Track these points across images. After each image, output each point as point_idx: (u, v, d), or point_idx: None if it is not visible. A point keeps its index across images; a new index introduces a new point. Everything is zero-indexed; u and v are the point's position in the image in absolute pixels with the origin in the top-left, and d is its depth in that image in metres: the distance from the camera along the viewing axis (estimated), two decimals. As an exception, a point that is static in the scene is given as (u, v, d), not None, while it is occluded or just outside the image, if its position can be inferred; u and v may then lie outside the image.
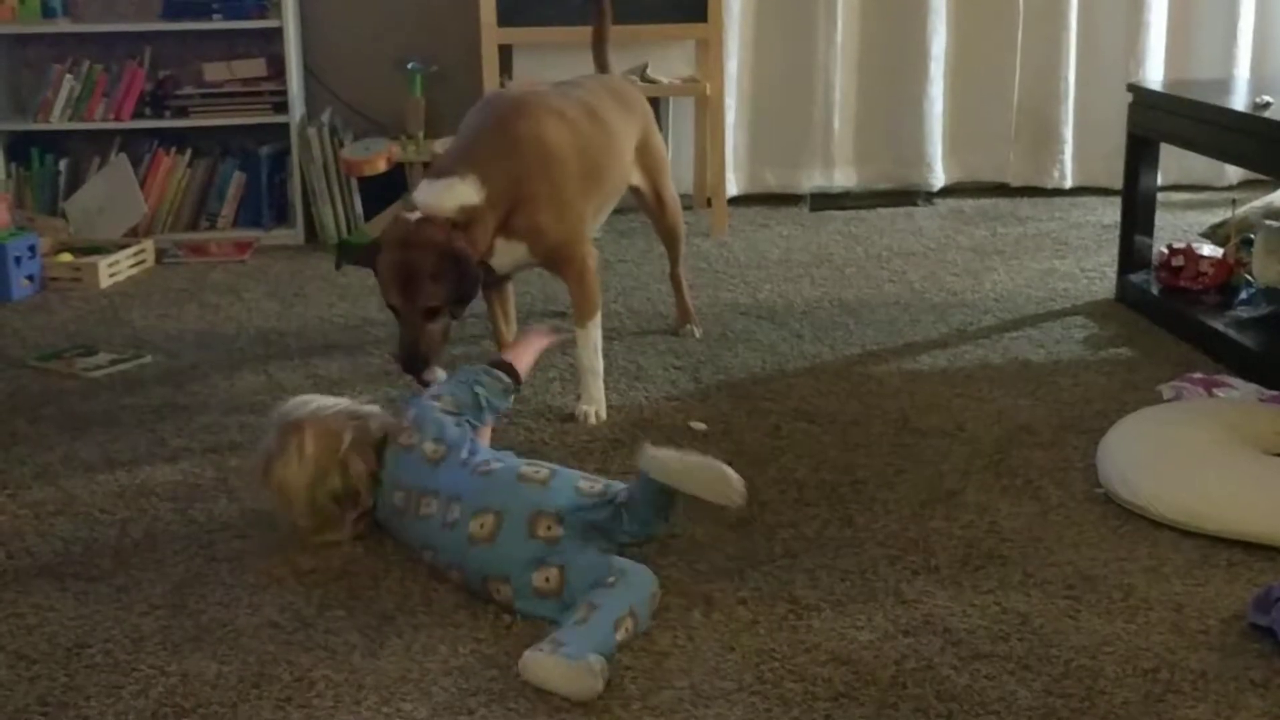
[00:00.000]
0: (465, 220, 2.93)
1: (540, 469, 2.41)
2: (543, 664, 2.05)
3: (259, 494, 2.61)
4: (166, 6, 5.01)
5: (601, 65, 3.84)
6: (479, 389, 2.67)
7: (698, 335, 3.80)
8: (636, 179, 3.62)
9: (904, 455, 2.94)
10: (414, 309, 2.90)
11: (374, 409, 2.67)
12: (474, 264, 2.92)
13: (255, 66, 5.10)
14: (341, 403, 2.65)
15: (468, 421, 2.60)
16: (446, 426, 2.55)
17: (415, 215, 2.91)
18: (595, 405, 3.18)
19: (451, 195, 2.94)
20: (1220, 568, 2.42)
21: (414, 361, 2.91)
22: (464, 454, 2.47)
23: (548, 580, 2.25)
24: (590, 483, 2.38)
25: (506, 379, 2.74)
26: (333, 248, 3.10)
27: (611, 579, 2.20)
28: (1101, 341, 3.72)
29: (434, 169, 3.07)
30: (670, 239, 3.82)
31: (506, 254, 3.10)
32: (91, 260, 4.49)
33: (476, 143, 3.07)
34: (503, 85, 4.90)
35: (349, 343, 3.80)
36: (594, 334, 3.22)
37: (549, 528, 2.28)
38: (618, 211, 5.32)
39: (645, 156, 3.60)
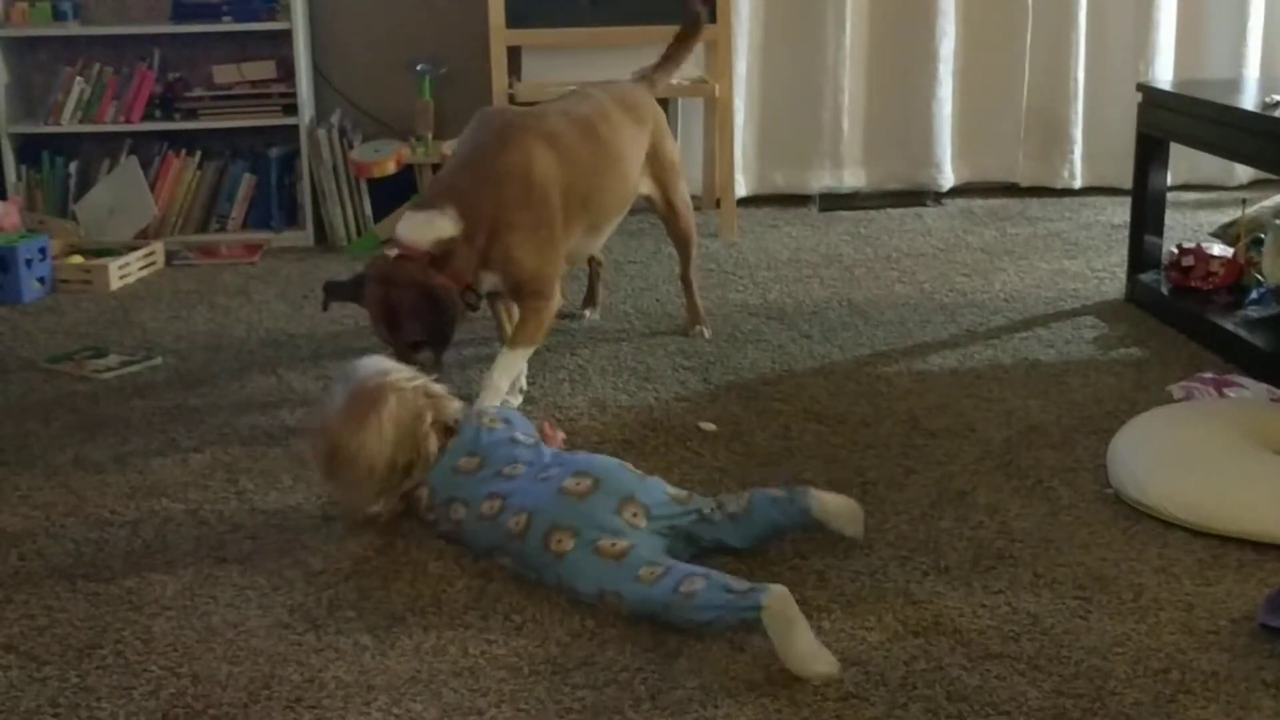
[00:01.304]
0: (443, 253, 2.99)
1: (636, 470, 2.50)
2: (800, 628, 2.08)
3: (319, 451, 2.59)
4: (176, 9, 5.03)
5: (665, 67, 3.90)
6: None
7: (707, 336, 3.80)
8: (647, 187, 3.62)
9: (914, 456, 2.94)
10: (399, 342, 3.01)
11: (445, 392, 2.69)
12: (451, 303, 2.99)
13: (265, 69, 5.11)
14: (417, 377, 2.65)
15: None
16: (533, 431, 2.68)
17: (394, 252, 2.99)
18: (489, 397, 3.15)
19: (429, 229, 3.00)
20: (1231, 568, 2.41)
21: None
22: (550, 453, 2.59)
23: (614, 545, 2.28)
24: (677, 490, 2.45)
25: None
26: (336, 264, 3.16)
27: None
28: (1112, 342, 3.71)
29: (421, 199, 3.11)
30: (682, 243, 3.83)
31: (485, 281, 3.15)
32: (102, 262, 4.50)
33: (461, 171, 3.11)
34: (511, 86, 4.91)
35: (359, 344, 3.79)
36: (520, 361, 3.21)
37: (634, 515, 2.34)
38: (630, 212, 5.34)
39: (656, 164, 3.61)
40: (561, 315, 3.94)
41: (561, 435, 2.94)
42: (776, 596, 2.07)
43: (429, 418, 2.57)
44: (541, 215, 3.14)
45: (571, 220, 3.25)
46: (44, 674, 2.14)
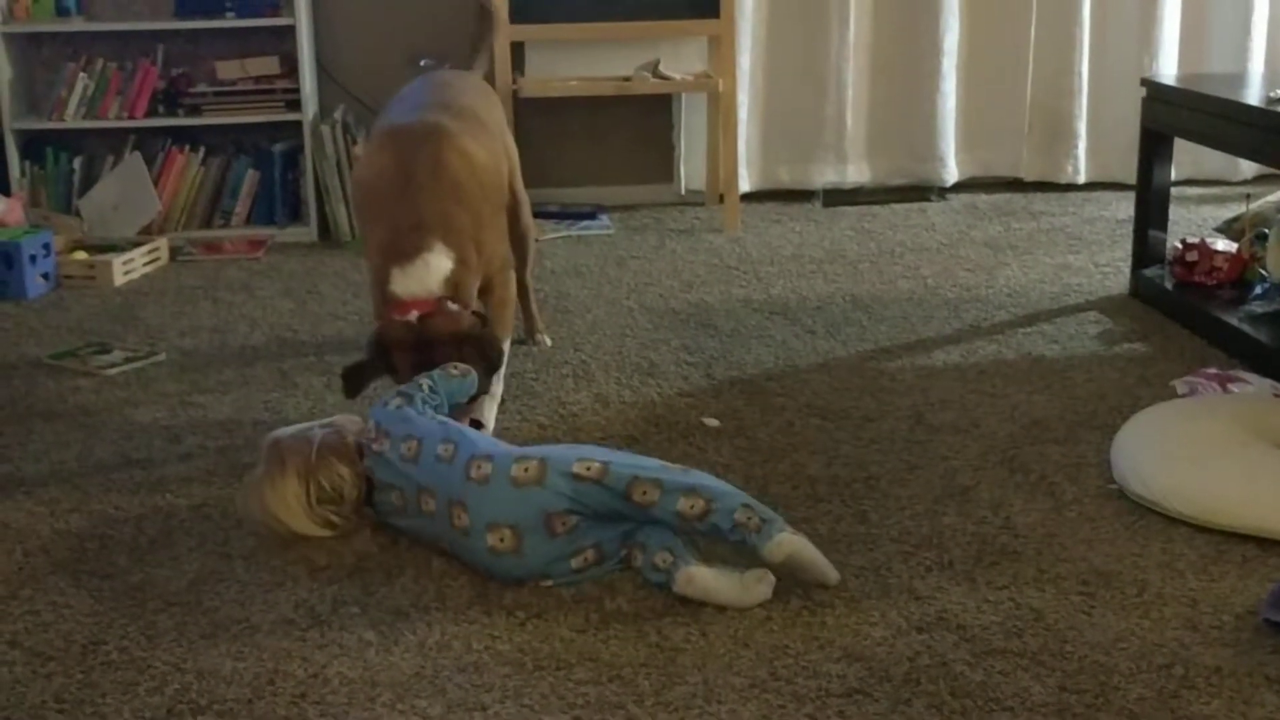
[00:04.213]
0: (452, 289, 2.86)
1: (529, 463, 2.35)
2: (706, 578, 2.25)
3: (258, 520, 2.60)
4: (180, 4, 5.02)
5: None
6: (426, 381, 2.67)
7: (549, 344, 3.69)
8: None
9: (917, 451, 2.94)
10: None
11: (350, 418, 2.70)
12: (491, 334, 2.91)
13: (268, 64, 5.11)
14: (314, 424, 2.69)
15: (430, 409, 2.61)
16: (412, 420, 2.54)
17: (412, 316, 2.82)
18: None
19: (430, 276, 2.84)
20: (1235, 563, 2.41)
21: None
22: (439, 447, 2.45)
23: (586, 559, 2.34)
24: (586, 464, 2.33)
25: (465, 373, 2.74)
26: (340, 374, 2.95)
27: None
28: (1115, 337, 3.71)
29: (394, 250, 2.87)
30: (522, 240, 3.59)
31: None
32: (106, 258, 4.50)
33: (420, 202, 2.90)
34: (515, 82, 4.90)
35: (362, 340, 3.79)
36: (505, 354, 3.12)
37: (564, 523, 2.32)
38: (631, 208, 5.34)
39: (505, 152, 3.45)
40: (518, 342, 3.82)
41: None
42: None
43: (316, 442, 2.56)
44: (498, 204, 3.12)
45: (504, 205, 3.25)
46: (49, 670, 2.14)
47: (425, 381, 2.66)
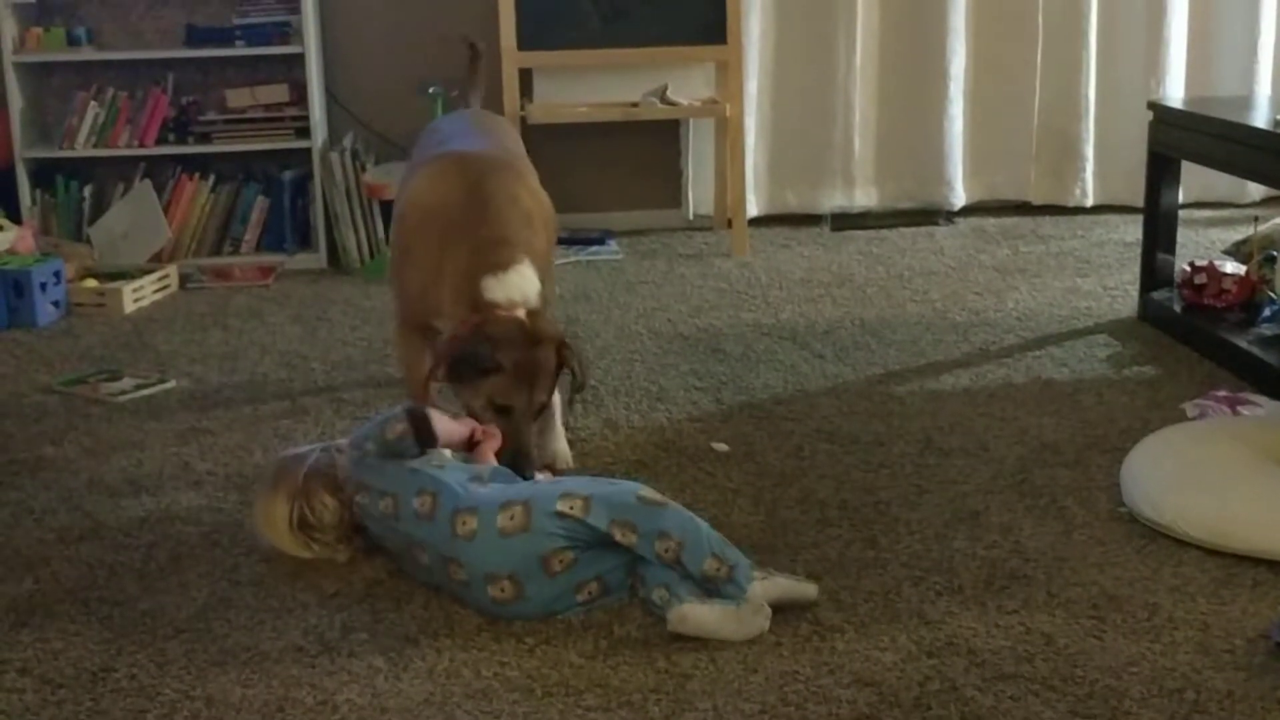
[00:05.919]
0: (539, 304, 2.83)
1: (514, 509, 2.33)
2: (699, 615, 2.23)
3: (259, 536, 2.64)
4: (189, 33, 5.05)
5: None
6: (370, 445, 2.56)
7: None
8: None
9: (927, 475, 2.94)
10: (533, 406, 2.77)
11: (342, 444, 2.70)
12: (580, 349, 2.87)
13: (278, 92, 5.13)
14: (318, 446, 2.71)
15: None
16: (385, 472, 2.52)
17: (519, 312, 2.74)
18: (564, 460, 3.03)
19: (526, 285, 2.77)
20: (1246, 587, 2.41)
21: (529, 462, 2.72)
22: (415, 501, 2.43)
23: (590, 592, 2.35)
24: (569, 501, 2.32)
25: (402, 436, 2.53)
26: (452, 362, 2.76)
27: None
28: (1125, 360, 3.71)
29: (481, 262, 2.78)
30: None
31: None
32: (116, 285, 4.52)
33: (503, 221, 2.85)
34: (522, 108, 4.92)
35: (372, 367, 3.81)
36: None
37: (561, 560, 2.32)
38: (640, 233, 5.35)
39: None
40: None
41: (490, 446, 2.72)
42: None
43: (302, 473, 2.58)
44: (551, 242, 3.08)
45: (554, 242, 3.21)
46: (59, 697, 2.14)
47: (369, 445, 2.55)
